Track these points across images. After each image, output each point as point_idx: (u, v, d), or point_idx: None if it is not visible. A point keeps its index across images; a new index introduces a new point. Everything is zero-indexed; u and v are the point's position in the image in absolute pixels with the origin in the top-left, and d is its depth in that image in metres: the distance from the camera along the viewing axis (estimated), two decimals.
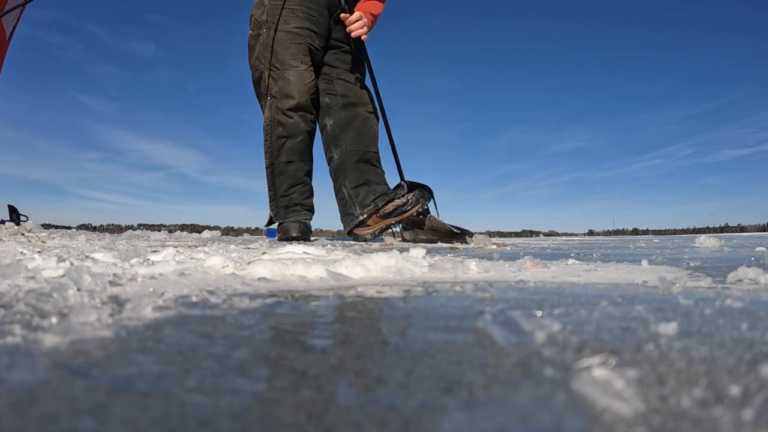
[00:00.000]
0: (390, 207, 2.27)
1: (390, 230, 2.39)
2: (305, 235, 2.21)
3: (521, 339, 0.30)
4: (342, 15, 2.24)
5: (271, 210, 2.33)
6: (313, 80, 2.25)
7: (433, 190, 2.36)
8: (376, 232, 2.30)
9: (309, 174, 2.33)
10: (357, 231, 2.31)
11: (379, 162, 2.37)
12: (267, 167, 2.29)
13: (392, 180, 2.42)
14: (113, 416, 0.19)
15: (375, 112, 2.40)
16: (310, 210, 2.31)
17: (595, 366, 0.24)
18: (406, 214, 2.25)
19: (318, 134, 2.39)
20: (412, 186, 2.33)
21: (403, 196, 2.29)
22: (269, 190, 2.31)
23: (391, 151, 2.46)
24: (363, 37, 2.25)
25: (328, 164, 2.40)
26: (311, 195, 2.33)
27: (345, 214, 2.35)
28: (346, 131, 2.33)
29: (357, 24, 2.21)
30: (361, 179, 2.32)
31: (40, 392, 0.21)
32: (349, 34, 2.28)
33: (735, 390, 0.21)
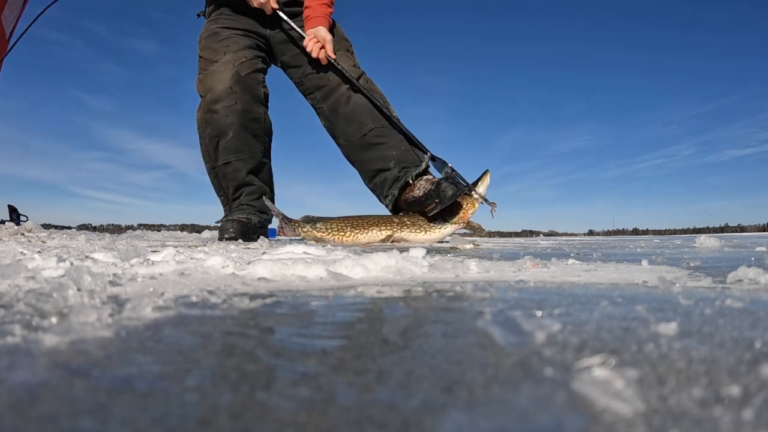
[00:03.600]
0: (408, 197, 2.02)
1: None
2: (241, 235, 2.03)
3: (521, 339, 0.30)
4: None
5: (225, 212, 2.21)
6: (243, 62, 2.10)
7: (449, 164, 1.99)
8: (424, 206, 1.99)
9: (255, 171, 2.17)
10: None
11: (379, 135, 2.11)
12: (209, 172, 2.18)
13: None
14: (113, 416, 0.19)
15: (352, 83, 2.16)
16: (262, 211, 2.17)
17: (595, 366, 0.24)
18: (427, 208, 1.94)
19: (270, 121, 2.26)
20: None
21: (420, 177, 2.02)
22: (219, 195, 2.20)
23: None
24: (327, 55, 2.09)
25: None
26: (261, 195, 2.18)
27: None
28: (336, 126, 2.18)
29: (311, 47, 2.07)
30: (371, 171, 2.15)
31: (40, 392, 0.21)
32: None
33: (735, 390, 0.21)
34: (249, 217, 2.10)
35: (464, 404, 0.20)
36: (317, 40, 2.07)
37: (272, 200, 2.22)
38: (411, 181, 2.04)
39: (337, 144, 2.23)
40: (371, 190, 2.20)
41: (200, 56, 2.16)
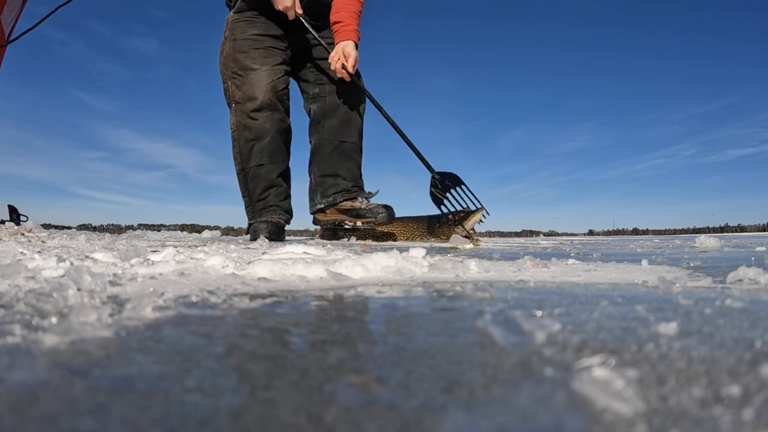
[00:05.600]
0: (347, 204, 2.30)
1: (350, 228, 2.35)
2: (275, 235, 2.15)
3: (521, 339, 0.30)
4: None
5: (248, 215, 2.31)
6: (279, 77, 2.23)
7: (461, 178, 2.23)
8: (336, 222, 2.34)
9: (284, 176, 2.31)
10: (317, 216, 2.40)
11: (357, 152, 2.35)
12: (238, 173, 2.29)
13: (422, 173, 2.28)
14: (113, 416, 0.19)
15: (361, 105, 2.36)
16: (287, 211, 2.31)
17: (595, 366, 0.24)
18: (361, 220, 2.27)
19: (296, 134, 2.43)
20: (440, 180, 2.22)
21: (365, 199, 2.30)
22: (243, 197, 2.30)
23: (410, 148, 2.30)
24: (350, 71, 2.19)
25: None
26: (287, 197, 2.33)
27: (309, 198, 2.44)
28: (328, 118, 2.33)
29: (334, 65, 2.18)
30: (330, 170, 2.34)
31: (40, 392, 0.21)
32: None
33: (735, 390, 0.21)
34: (279, 218, 2.24)
35: (464, 404, 0.20)
36: (340, 56, 2.18)
37: (289, 200, 2.36)
38: (355, 200, 2.31)
39: (315, 130, 2.36)
40: (316, 183, 2.38)
41: (235, 56, 2.23)
